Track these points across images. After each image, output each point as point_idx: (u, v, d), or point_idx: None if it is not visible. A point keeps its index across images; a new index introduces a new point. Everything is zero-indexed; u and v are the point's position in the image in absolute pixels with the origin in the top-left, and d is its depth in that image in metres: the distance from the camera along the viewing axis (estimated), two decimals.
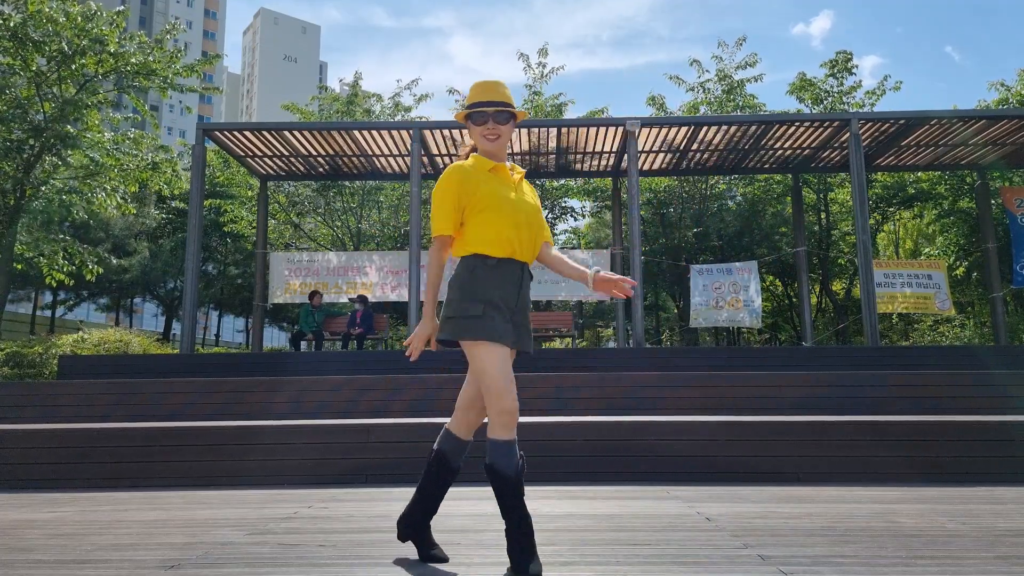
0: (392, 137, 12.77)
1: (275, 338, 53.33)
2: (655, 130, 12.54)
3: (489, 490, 4.77)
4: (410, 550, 2.93)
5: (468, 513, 3.83)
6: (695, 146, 13.48)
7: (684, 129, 12.62)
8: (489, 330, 2.58)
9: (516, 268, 2.72)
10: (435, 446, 2.82)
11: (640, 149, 13.18)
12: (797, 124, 12.42)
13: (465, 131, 2.91)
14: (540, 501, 4.23)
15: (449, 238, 2.74)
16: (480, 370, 2.56)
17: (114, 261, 16.77)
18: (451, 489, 4.85)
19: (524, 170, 2.97)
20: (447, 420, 5.84)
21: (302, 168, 14.55)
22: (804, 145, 13.43)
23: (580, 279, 2.78)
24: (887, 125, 12.27)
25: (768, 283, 25.07)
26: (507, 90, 2.83)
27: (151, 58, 14.11)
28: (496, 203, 2.68)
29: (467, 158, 2.83)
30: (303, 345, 13.05)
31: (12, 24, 12.92)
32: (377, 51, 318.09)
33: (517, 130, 12.70)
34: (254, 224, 18.83)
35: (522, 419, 5.75)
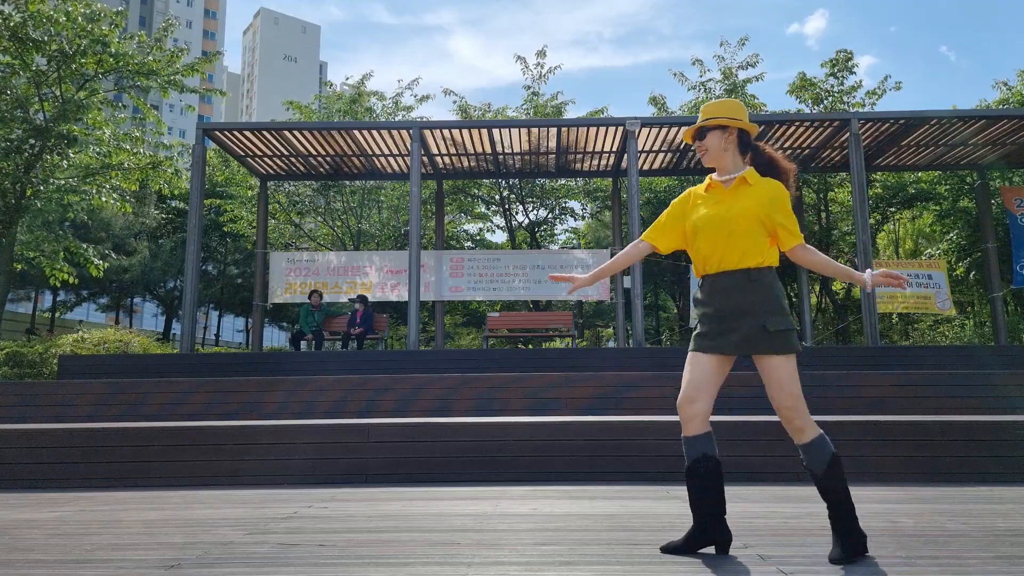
0: (392, 137, 12.77)
1: (275, 338, 53.33)
2: (655, 130, 12.54)
3: (488, 490, 4.78)
4: (410, 549, 2.93)
5: (468, 513, 3.83)
6: (695, 146, 13.47)
7: (684, 129, 12.62)
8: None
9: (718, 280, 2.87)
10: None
11: (640, 149, 13.18)
12: (797, 124, 12.42)
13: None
14: (540, 501, 4.23)
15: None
16: (792, 378, 2.75)
17: (113, 256, 16.75)
18: (450, 489, 4.86)
19: (749, 169, 2.97)
20: (447, 420, 5.83)
21: (302, 168, 14.54)
22: (804, 145, 13.43)
23: (856, 281, 2.87)
24: (887, 125, 12.27)
25: None
26: (717, 107, 2.98)
27: (151, 57, 14.11)
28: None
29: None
30: (303, 345, 13.05)
31: (12, 24, 12.91)
32: (378, 49, 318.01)
33: (517, 130, 12.70)
34: (254, 224, 18.83)
35: (522, 419, 5.75)
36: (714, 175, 3.00)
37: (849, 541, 2.69)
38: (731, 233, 2.82)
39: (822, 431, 2.77)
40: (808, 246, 2.88)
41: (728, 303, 2.81)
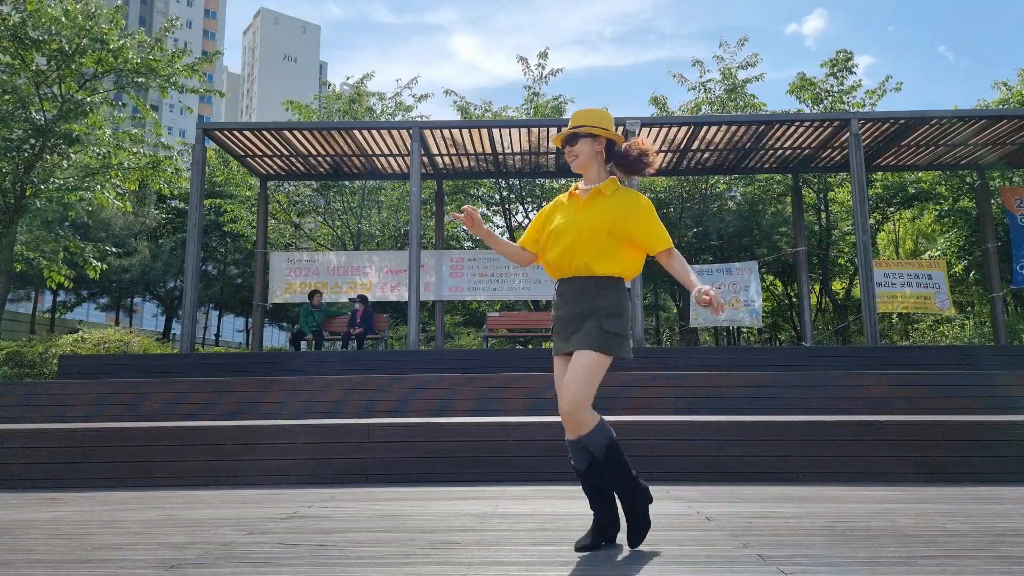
0: (392, 137, 12.77)
1: (275, 338, 53.33)
2: (655, 130, 12.54)
3: (488, 490, 4.78)
4: (410, 549, 2.93)
5: (468, 513, 3.83)
6: (695, 146, 13.48)
7: (684, 129, 12.62)
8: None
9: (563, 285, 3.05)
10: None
11: None
12: (797, 124, 12.42)
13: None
14: (540, 501, 4.23)
15: None
16: (590, 373, 2.86)
17: (113, 250, 16.76)
18: (450, 489, 4.86)
19: (606, 181, 3.08)
20: (447, 419, 5.84)
21: (302, 168, 14.54)
22: (804, 145, 13.43)
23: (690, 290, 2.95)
24: (887, 125, 12.27)
25: (768, 283, 25.07)
26: (588, 115, 3.09)
27: (150, 56, 14.10)
28: None
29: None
30: (303, 345, 13.05)
31: (11, 23, 12.91)
32: (378, 48, 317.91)
33: (517, 130, 12.70)
34: (254, 224, 18.83)
35: (523, 419, 5.75)
36: (579, 184, 3.13)
37: (636, 515, 2.89)
38: (577, 243, 2.96)
39: (602, 419, 2.88)
40: (674, 252, 2.96)
41: (574, 308, 2.95)
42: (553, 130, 12.70)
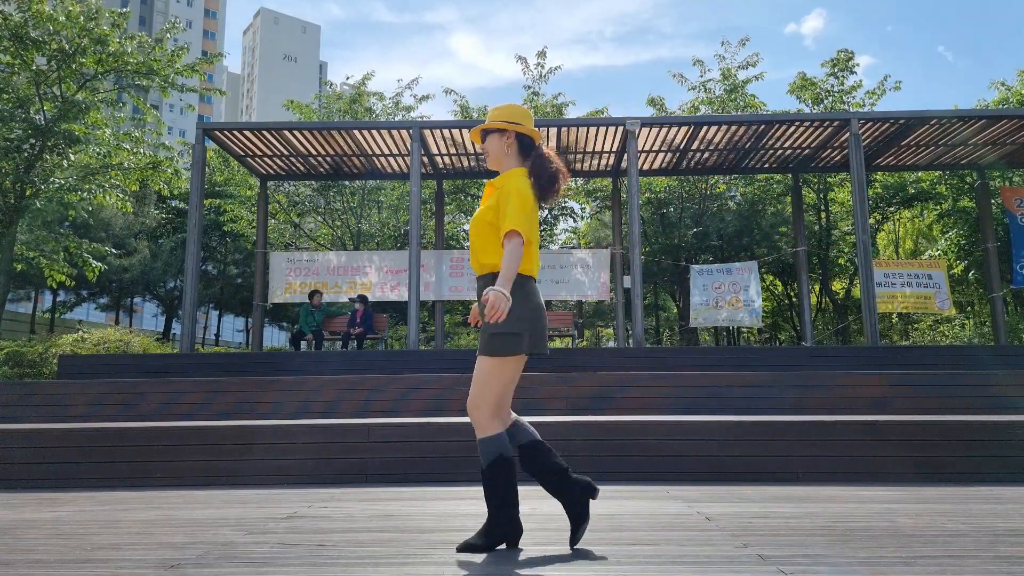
0: (392, 137, 12.77)
1: (275, 338, 53.34)
2: (655, 130, 12.53)
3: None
4: (410, 549, 2.93)
5: (468, 513, 3.83)
6: (695, 146, 13.48)
7: (684, 129, 12.62)
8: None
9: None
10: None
11: (640, 149, 13.17)
12: (797, 124, 12.42)
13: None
14: (540, 501, 4.23)
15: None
16: (486, 377, 2.87)
17: (113, 251, 16.74)
18: (451, 489, 4.86)
19: (497, 177, 3.05)
20: (447, 419, 5.84)
21: (302, 168, 14.54)
22: (804, 145, 13.43)
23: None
24: (887, 125, 12.27)
25: (768, 283, 25.08)
26: (499, 111, 3.06)
27: (151, 57, 14.10)
28: None
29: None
30: (303, 345, 13.05)
31: (12, 24, 12.91)
32: (378, 47, 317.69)
33: None
34: (254, 224, 18.83)
35: (523, 419, 5.74)
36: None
37: (491, 532, 2.84)
38: (473, 241, 2.95)
39: (503, 432, 2.86)
40: (511, 239, 2.78)
41: (481, 307, 2.87)
42: (553, 130, 12.71)
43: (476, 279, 3.00)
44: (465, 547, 2.84)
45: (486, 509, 2.95)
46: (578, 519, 2.91)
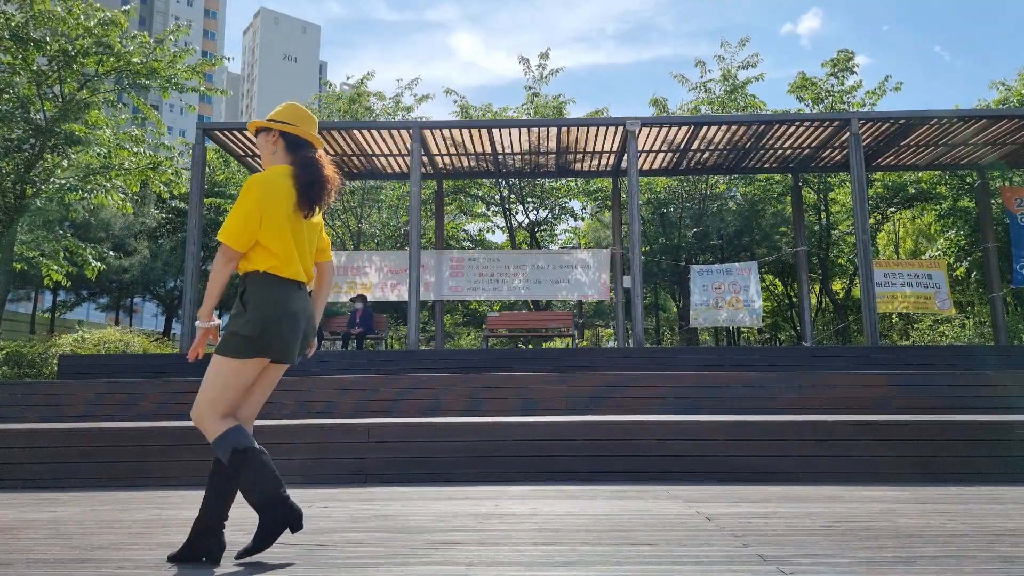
0: (392, 137, 12.76)
1: None
2: (655, 130, 12.53)
3: (488, 490, 4.78)
4: (410, 549, 2.93)
5: (468, 513, 3.83)
6: (695, 146, 13.48)
7: (684, 129, 12.62)
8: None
9: None
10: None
11: (640, 149, 13.17)
12: (797, 124, 12.42)
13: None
14: (540, 501, 4.23)
15: None
16: (210, 378, 2.80)
17: (112, 253, 16.73)
18: (450, 489, 4.85)
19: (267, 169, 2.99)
20: (447, 419, 5.84)
21: None
22: (804, 145, 13.43)
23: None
24: (887, 125, 12.27)
25: (768, 283, 25.09)
26: (276, 110, 3.00)
27: (152, 57, 14.09)
28: None
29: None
30: None
31: (14, 24, 12.91)
32: (379, 46, 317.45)
33: (517, 130, 12.70)
34: None
35: (522, 419, 5.75)
36: None
37: (262, 534, 2.69)
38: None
39: (230, 428, 2.72)
40: (220, 249, 2.76)
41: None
42: (553, 130, 12.70)
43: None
44: (243, 554, 2.71)
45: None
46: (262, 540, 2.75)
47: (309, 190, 2.86)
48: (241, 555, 2.71)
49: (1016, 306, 21.86)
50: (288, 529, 2.73)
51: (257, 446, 2.77)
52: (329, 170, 2.93)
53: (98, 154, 14.14)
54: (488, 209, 23.26)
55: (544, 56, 20.75)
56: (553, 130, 12.71)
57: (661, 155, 14.00)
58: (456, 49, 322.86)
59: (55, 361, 14.01)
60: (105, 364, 10.32)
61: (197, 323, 2.81)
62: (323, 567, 2.65)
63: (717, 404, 7.48)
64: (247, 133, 12.57)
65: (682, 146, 13.43)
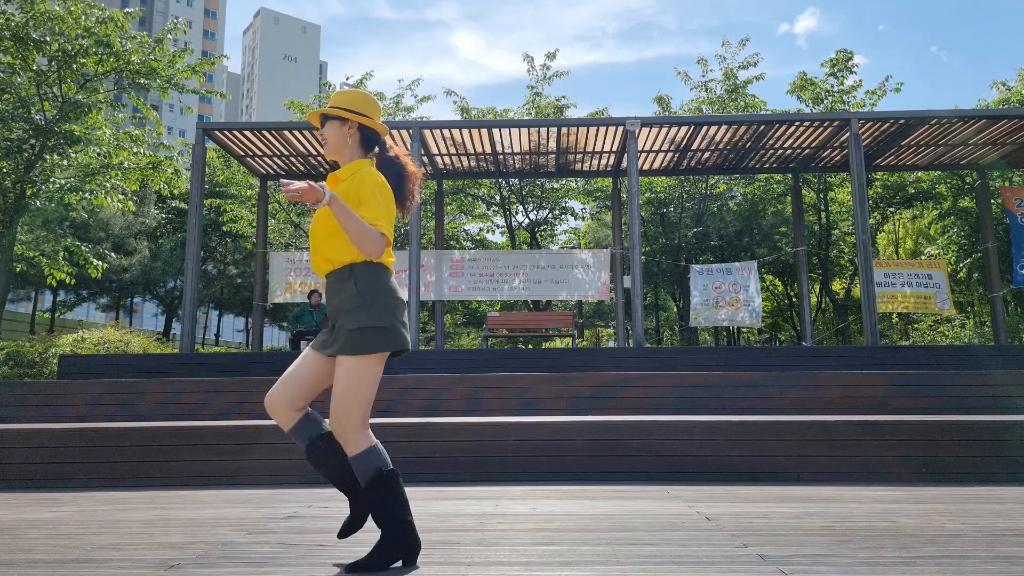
0: (392, 137, 12.76)
1: (275, 338, 53.33)
2: (655, 130, 12.53)
3: (488, 489, 4.78)
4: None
5: (468, 513, 3.83)
6: (695, 146, 13.48)
7: (684, 129, 12.62)
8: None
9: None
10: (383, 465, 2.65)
11: (640, 149, 13.17)
12: (797, 124, 12.42)
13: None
14: (540, 501, 4.23)
15: None
16: (349, 384, 2.61)
17: (112, 255, 16.73)
18: (450, 489, 4.85)
19: (349, 164, 2.80)
20: (447, 419, 5.84)
21: (302, 168, 14.55)
22: (804, 145, 13.43)
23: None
24: (887, 125, 12.27)
25: (768, 283, 25.09)
26: (342, 96, 2.80)
27: (151, 57, 14.09)
28: None
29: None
30: (303, 345, 13.05)
31: (14, 24, 12.90)
32: (379, 45, 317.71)
33: (517, 130, 12.70)
34: (254, 223, 18.83)
35: (522, 419, 5.75)
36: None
37: (381, 552, 2.57)
38: (317, 233, 2.70)
39: (375, 443, 2.63)
40: (382, 241, 2.57)
41: (330, 305, 2.71)
42: (553, 130, 12.70)
43: (326, 277, 2.74)
44: (355, 567, 2.56)
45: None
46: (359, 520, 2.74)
47: (402, 189, 2.79)
48: (352, 568, 2.55)
49: (1016, 306, 21.86)
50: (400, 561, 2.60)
51: (392, 466, 2.68)
52: (411, 167, 2.86)
53: (98, 154, 14.14)
54: (488, 209, 23.26)
55: (551, 56, 20.72)
56: (553, 130, 12.71)
57: (661, 155, 14.00)
58: (457, 47, 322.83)
59: (55, 361, 14.01)
60: (105, 364, 10.31)
61: (321, 183, 2.51)
62: (323, 567, 2.65)
63: (717, 404, 7.48)
64: (247, 133, 12.58)
65: (682, 146, 13.43)
